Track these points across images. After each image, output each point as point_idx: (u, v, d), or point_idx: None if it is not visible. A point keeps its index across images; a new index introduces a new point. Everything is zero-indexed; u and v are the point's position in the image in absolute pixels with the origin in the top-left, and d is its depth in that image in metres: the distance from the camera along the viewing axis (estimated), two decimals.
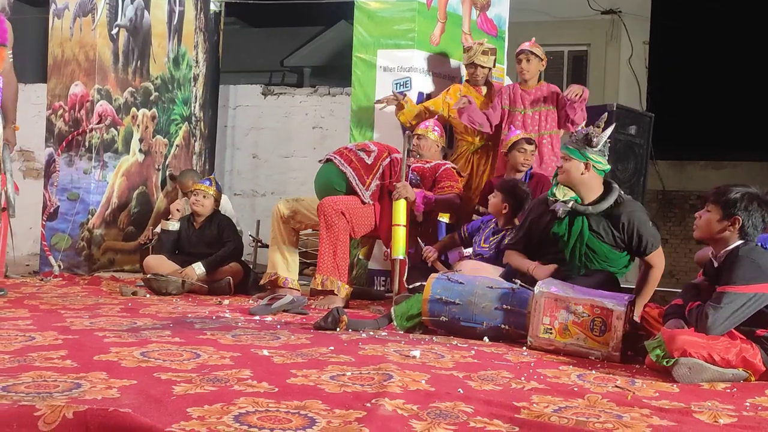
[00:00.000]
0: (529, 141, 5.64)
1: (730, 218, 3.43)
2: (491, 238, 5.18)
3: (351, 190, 5.50)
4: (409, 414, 2.48)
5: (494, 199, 5.24)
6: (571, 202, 4.32)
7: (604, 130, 4.35)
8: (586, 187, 4.35)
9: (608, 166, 4.41)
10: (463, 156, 6.28)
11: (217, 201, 6.30)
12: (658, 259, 4.40)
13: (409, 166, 5.61)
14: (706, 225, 3.51)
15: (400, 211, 5.33)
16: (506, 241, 4.86)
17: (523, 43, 6.14)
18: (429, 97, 6.51)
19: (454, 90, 6.32)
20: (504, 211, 5.16)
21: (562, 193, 4.35)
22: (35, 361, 3.00)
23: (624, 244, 4.32)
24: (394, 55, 6.46)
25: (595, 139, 4.30)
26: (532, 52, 6.05)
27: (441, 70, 6.64)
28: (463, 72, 6.65)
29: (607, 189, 4.37)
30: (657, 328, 3.65)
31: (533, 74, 6.07)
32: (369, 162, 5.57)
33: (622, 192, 4.42)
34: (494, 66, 6.41)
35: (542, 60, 6.11)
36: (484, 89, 6.33)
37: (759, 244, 4.17)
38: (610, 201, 4.30)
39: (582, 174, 4.32)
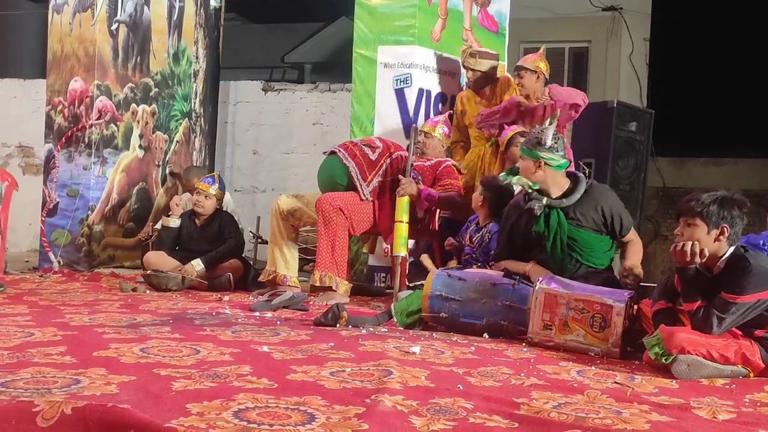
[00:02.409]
0: (523, 134, 5.62)
1: (717, 228, 3.39)
2: (474, 237, 5.18)
3: (353, 185, 5.49)
4: (409, 410, 2.48)
5: (475, 192, 5.28)
6: (545, 198, 4.40)
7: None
8: (548, 184, 4.43)
9: (564, 161, 4.47)
10: (473, 155, 6.28)
11: (219, 200, 6.27)
12: (634, 236, 4.54)
13: (412, 164, 5.60)
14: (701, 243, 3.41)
15: (402, 208, 5.32)
16: (492, 245, 4.89)
17: (523, 57, 6.06)
18: (429, 93, 6.50)
19: (458, 98, 6.35)
20: (479, 204, 5.17)
21: (516, 180, 4.47)
22: (34, 357, 3.00)
23: (605, 228, 4.42)
24: (394, 52, 6.44)
25: (542, 138, 4.40)
26: (524, 68, 5.91)
27: (441, 67, 6.63)
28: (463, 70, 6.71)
29: (575, 180, 4.47)
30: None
31: (529, 90, 5.91)
32: (373, 158, 5.56)
33: (588, 180, 4.55)
34: (489, 69, 6.23)
35: (536, 73, 5.89)
36: (486, 91, 6.24)
37: (762, 242, 4.17)
38: (581, 190, 4.40)
39: (534, 173, 4.40)
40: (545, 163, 4.38)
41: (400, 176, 5.39)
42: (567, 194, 4.41)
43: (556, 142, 4.42)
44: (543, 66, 5.97)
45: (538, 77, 5.93)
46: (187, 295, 5.43)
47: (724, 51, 9.46)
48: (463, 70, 6.46)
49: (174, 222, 6.22)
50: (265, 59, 11.31)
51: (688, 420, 2.59)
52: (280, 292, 5.11)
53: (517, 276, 4.20)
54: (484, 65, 6.20)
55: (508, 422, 2.43)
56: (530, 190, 4.42)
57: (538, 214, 4.37)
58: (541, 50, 6.16)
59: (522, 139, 5.54)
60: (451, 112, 6.38)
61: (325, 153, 5.76)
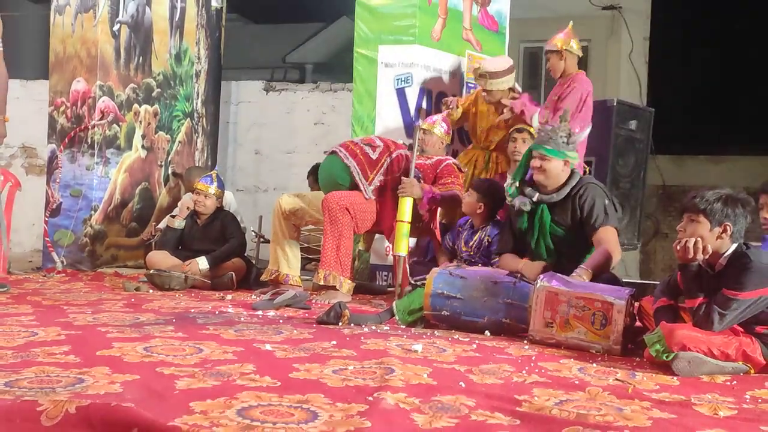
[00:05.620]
0: (519, 129, 5.65)
1: (720, 225, 3.39)
2: (471, 242, 5.19)
3: (354, 184, 5.50)
4: (411, 407, 2.49)
5: (469, 198, 5.25)
6: (536, 195, 4.45)
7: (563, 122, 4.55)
8: (557, 179, 4.48)
9: (578, 159, 4.65)
10: (467, 158, 6.30)
11: (220, 199, 6.30)
12: (605, 234, 4.34)
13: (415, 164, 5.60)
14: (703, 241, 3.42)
15: (405, 208, 5.32)
16: (493, 248, 4.94)
17: (551, 38, 5.92)
18: (429, 93, 6.52)
19: (477, 95, 6.34)
20: (479, 211, 5.19)
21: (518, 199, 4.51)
22: (38, 357, 3.01)
23: (581, 224, 4.40)
24: (395, 51, 6.45)
25: (571, 138, 4.46)
26: (548, 50, 5.90)
27: (442, 66, 6.65)
28: (463, 66, 6.78)
29: (570, 176, 4.51)
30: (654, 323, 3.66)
31: (558, 71, 5.89)
32: (374, 157, 5.56)
33: (584, 176, 4.59)
34: (502, 87, 6.10)
35: (560, 53, 5.83)
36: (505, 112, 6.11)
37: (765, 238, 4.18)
38: (571, 184, 4.44)
39: (561, 171, 4.46)
40: (570, 162, 4.48)
41: (403, 177, 5.40)
42: (558, 190, 4.47)
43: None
44: (572, 43, 5.85)
45: (561, 57, 5.84)
46: (190, 295, 5.45)
47: (724, 50, 9.49)
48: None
49: (179, 223, 6.25)
50: (266, 59, 11.32)
51: (689, 417, 2.59)
52: (283, 291, 5.12)
53: (518, 274, 4.22)
54: (497, 84, 6.07)
55: (510, 419, 2.44)
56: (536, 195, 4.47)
57: (526, 210, 4.45)
58: (569, 27, 5.95)
59: (516, 135, 5.64)
60: (449, 111, 6.38)
61: (326, 153, 5.77)
